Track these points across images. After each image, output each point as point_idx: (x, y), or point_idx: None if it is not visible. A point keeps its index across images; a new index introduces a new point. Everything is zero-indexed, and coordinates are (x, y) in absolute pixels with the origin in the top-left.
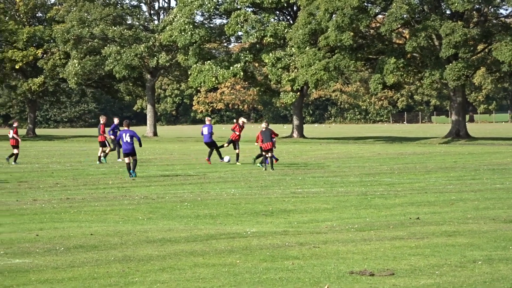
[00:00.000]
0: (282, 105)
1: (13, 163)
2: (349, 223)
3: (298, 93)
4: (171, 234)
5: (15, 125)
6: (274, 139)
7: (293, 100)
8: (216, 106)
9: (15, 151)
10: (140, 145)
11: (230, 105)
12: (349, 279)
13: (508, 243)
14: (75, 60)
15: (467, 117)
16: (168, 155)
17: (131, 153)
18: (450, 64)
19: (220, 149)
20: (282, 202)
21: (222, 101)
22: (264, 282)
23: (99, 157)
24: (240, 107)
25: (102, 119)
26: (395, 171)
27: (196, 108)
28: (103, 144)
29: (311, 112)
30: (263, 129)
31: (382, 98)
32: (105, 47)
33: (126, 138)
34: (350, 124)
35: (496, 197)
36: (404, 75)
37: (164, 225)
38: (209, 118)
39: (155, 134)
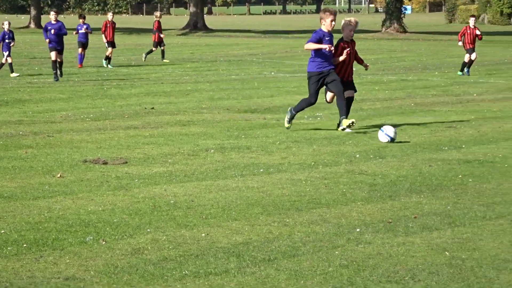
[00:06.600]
0: None
1: None
2: (85, 113)
3: None
4: None
5: None
6: None
7: None
8: None
9: None
10: None
11: None
12: (82, 167)
13: (241, 132)
14: None
15: (206, 9)
16: None
17: None
18: None
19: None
20: (18, 92)
21: None
22: None
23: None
24: None
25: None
26: (132, 62)
27: None
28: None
29: (49, 3)
30: None
31: None
32: None
33: None
34: (88, 15)
35: (231, 88)
36: None
37: None
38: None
39: None
